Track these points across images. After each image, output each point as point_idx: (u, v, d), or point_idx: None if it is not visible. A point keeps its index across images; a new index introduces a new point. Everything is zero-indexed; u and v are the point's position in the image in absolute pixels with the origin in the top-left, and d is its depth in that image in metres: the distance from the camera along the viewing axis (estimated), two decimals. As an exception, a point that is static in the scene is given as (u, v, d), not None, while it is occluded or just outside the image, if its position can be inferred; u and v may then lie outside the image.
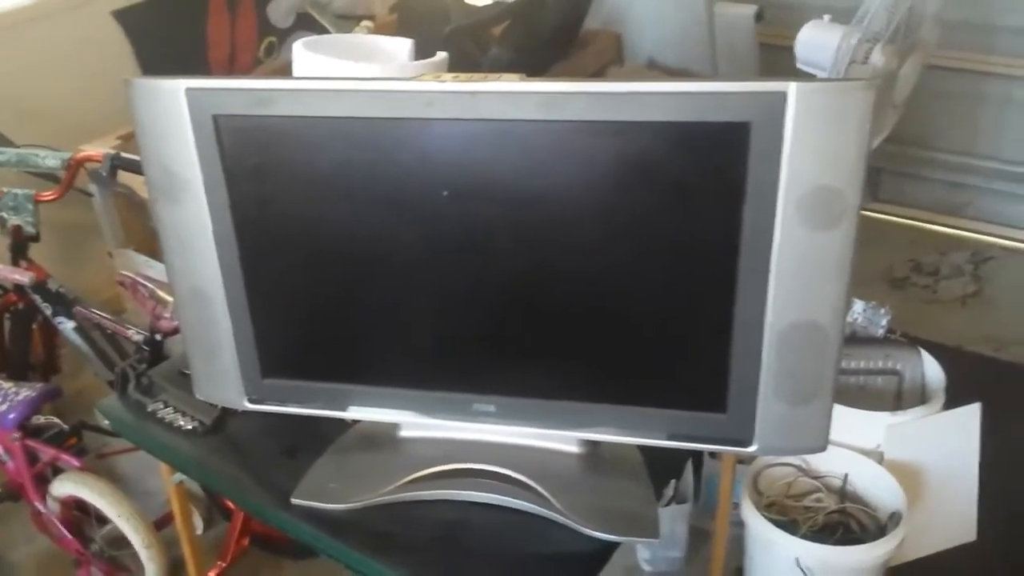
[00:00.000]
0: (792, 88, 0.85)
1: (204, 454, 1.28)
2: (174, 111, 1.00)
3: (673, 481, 1.92)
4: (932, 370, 2.02)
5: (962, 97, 3.17)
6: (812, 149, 0.87)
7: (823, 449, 1.00)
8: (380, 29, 2.92)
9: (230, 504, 2.01)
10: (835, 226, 0.89)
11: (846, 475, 1.87)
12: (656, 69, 3.19)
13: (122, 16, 2.90)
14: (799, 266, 0.91)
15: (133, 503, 1.80)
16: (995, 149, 3.20)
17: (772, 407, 0.98)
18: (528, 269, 1.01)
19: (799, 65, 2.46)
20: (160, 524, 1.87)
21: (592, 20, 3.16)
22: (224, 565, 1.95)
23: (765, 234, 0.91)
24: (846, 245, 0.90)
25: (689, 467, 1.95)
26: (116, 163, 1.92)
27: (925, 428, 1.87)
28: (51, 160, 2.03)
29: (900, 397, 2.05)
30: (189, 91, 0.99)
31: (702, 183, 0.92)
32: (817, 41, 2.40)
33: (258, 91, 0.98)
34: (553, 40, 2.90)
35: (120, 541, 1.85)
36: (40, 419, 1.94)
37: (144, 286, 1.72)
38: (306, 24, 3.35)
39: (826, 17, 2.43)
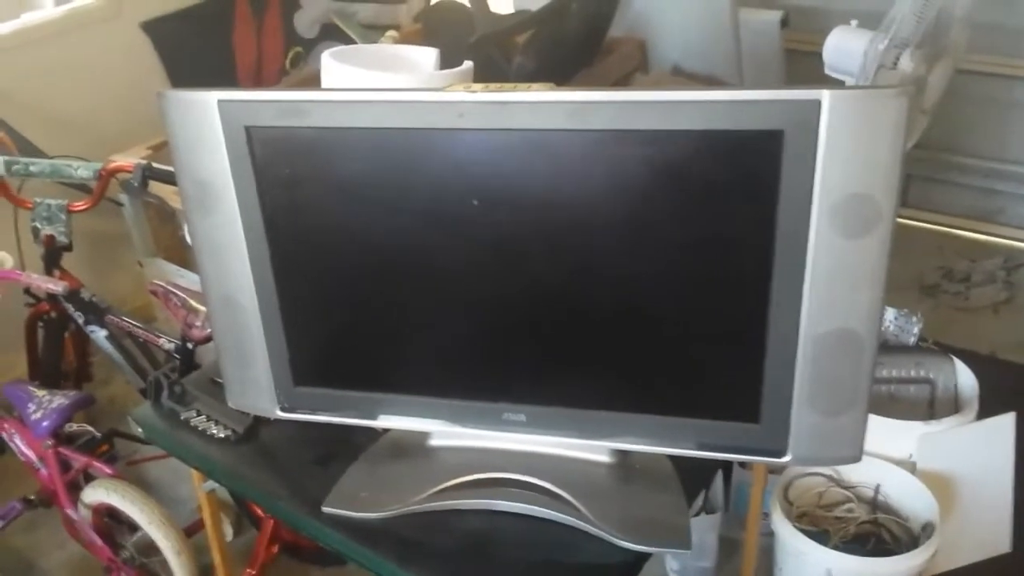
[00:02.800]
0: (826, 96, 0.85)
1: (236, 462, 1.29)
2: (207, 123, 1.01)
3: (703, 491, 1.91)
4: (965, 379, 2.00)
5: (992, 102, 3.13)
6: (846, 157, 0.86)
7: (858, 459, 0.99)
8: (405, 39, 2.94)
9: (259, 512, 2.02)
10: (869, 233, 0.88)
11: (878, 485, 1.85)
12: (681, 76, 3.18)
13: (150, 28, 2.94)
14: (834, 274, 0.91)
15: (164, 510, 1.82)
16: (1026, 154, 3.16)
17: (806, 417, 0.97)
18: (559, 278, 1.01)
19: (827, 71, 2.44)
20: (190, 531, 1.88)
21: (616, 27, 3.16)
22: (253, 572, 1.96)
23: (799, 242, 0.90)
24: (881, 252, 0.89)
25: (719, 476, 1.94)
26: (147, 173, 1.95)
27: (959, 437, 1.84)
28: (83, 171, 2.05)
29: (933, 406, 2.02)
30: (221, 103, 1.00)
31: (735, 192, 0.92)
32: (845, 47, 2.38)
33: (290, 102, 0.99)
34: (578, 48, 2.89)
35: (151, 548, 1.87)
36: (73, 426, 1.96)
37: (176, 295, 1.74)
38: (332, 34, 3.38)
39: (853, 22, 2.41)
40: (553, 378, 1.08)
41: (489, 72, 2.47)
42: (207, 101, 1.00)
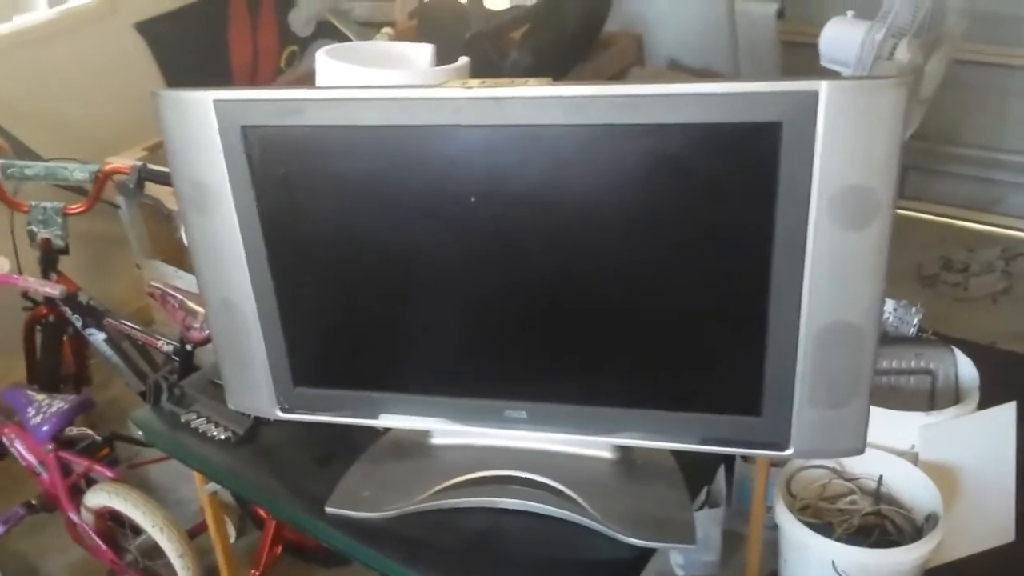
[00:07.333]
0: (824, 87, 0.84)
1: (237, 463, 1.29)
2: (202, 123, 1.00)
3: (706, 485, 1.90)
4: (965, 369, 1.99)
5: (989, 91, 3.13)
6: (844, 148, 0.86)
7: (861, 452, 0.99)
8: (400, 35, 2.93)
9: (262, 513, 2.02)
10: (868, 225, 0.88)
11: (880, 477, 1.85)
12: (677, 69, 3.17)
13: (144, 28, 2.93)
14: (833, 266, 0.90)
15: (166, 513, 1.81)
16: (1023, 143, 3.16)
17: (808, 410, 0.97)
18: (557, 274, 1.01)
19: (823, 62, 2.44)
20: (193, 533, 1.88)
21: (612, 21, 3.15)
22: (257, 573, 1.95)
23: (798, 235, 0.90)
24: (880, 244, 0.89)
25: (721, 470, 1.94)
26: (143, 175, 1.94)
27: (960, 428, 1.84)
28: (79, 173, 2.05)
29: (934, 397, 2.02)
30: (217, 103, 1.00)
31: (733, 184, 0.91)
32: (841, 37, 2.38)
33: (286, 101, 0.99)
34: (573, 43, 2.89)
35: (154, 551, 1.86)
36: (73, 430, 1.95)
37: (174, 297, 1.73)
38: (327, 32, 3.37)
39: (849, 13, 2.41)
40: (553, 374, 1.07)
41: (485, 68, 2.47)
42: (203, 101, 1.00)
